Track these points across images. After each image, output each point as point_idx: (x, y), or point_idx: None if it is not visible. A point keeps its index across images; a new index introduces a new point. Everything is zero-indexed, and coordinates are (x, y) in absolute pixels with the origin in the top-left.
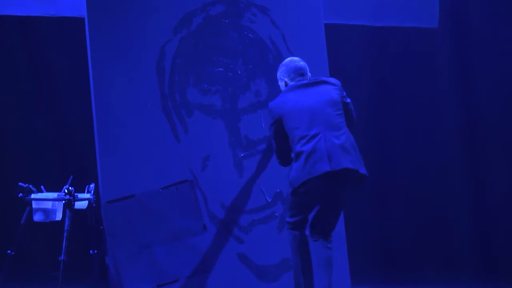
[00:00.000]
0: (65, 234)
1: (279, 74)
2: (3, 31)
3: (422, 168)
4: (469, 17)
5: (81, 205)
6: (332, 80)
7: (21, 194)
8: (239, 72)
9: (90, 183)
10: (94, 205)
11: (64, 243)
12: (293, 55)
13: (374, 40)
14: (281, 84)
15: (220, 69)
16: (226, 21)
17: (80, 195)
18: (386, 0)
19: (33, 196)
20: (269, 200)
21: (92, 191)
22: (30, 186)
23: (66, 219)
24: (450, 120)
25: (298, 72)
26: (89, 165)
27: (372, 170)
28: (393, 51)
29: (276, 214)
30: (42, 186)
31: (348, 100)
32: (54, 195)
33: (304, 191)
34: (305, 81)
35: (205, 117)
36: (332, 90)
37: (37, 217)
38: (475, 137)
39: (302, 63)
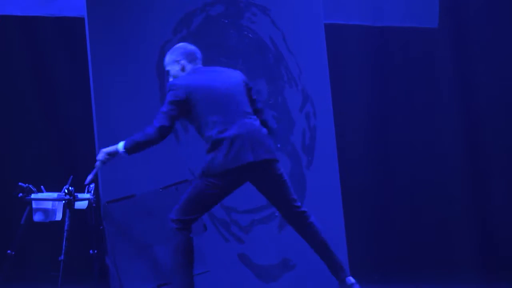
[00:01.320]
0: (65, 234)
1: (174, 57)
2: (3, 30)
3: (424, 170)
4: (469, 17)
5: (81, 205)
6: (237, 72)
7: (21, 194)
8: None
9: (90, 183)
10: (94, 205)
11: (64, 243)
12: (294, 55)
13: (374, 40)
14: (175, 67)
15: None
16: (226, 21)
17: (80, 195)
18: (386, 0)
19: (33, 196)
20: None
21: (92, 191)
22: (30, 186)
23: (66, 219)
24: (451, 120)
25: (196, 55)
26: (89, 165)
27: (373, 171)
28: (393, 51)
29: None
30: (42, 186)
31: (251, 86)
32: (54, 195)
33: (221, 182)
34: (211, 67)
35: None
36: (238, 76)
37: (37, 217)
38: (477, 138)
39: (193, 48)
